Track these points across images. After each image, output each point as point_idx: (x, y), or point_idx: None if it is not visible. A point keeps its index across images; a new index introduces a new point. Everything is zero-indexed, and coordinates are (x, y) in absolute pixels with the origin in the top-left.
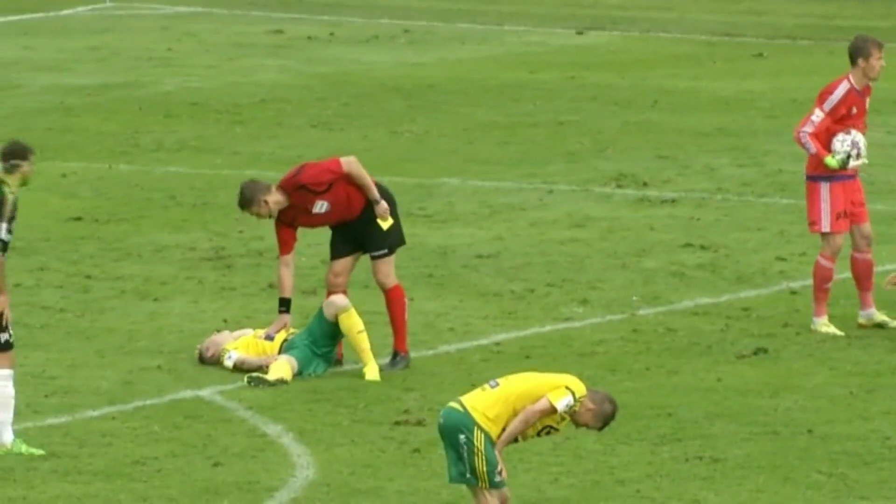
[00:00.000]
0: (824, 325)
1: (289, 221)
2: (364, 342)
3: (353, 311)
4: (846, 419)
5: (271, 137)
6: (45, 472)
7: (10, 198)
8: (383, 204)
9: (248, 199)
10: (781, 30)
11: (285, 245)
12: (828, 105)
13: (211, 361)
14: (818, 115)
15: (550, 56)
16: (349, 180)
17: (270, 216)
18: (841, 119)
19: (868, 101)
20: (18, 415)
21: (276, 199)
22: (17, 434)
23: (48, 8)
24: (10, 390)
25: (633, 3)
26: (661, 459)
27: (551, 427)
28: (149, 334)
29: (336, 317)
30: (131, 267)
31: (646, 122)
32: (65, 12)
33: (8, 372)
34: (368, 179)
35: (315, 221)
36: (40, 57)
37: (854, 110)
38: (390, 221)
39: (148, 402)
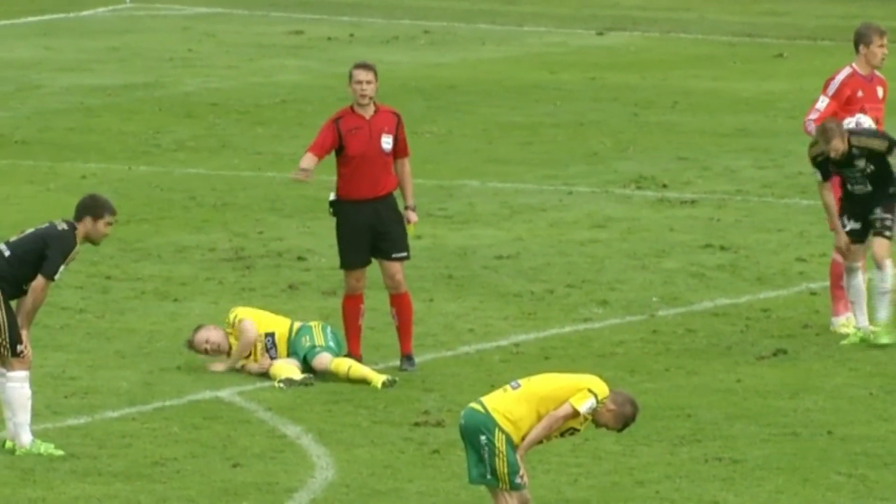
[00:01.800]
0: (843, 325)
1: (346, 131)
2: (361, 369)
3: (336, 359)
4: (866, 420)
5: (292, 138)
6: (65, 473)
7: (77, 247)
8: (415, 215)
9: (369, 65)
10: (802, 30)
11: (320, 147)
12: (831, 89)
13: (197, 351)
14: (822, 102)
15: (571, 57)
16: (394, 167)
17: (363, 93)
18: (848, 102)
19: (880, 91)
20: (38, 415)
21: (374, 92)
22: (36, 435)
23: (69, 9)
24: (27, 391)
25: (653, 3)
26: (680, 460)
27: (574, 428)
28: (169, 335)
29: (328, 370)
30: (151, 267)
31: (666, 122)
32: (85, 13)
33: (24, 373)
34: (412, 185)
35: (363, 151)
36: (61, 57)
37: (860, 93)
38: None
39: (167, 402)
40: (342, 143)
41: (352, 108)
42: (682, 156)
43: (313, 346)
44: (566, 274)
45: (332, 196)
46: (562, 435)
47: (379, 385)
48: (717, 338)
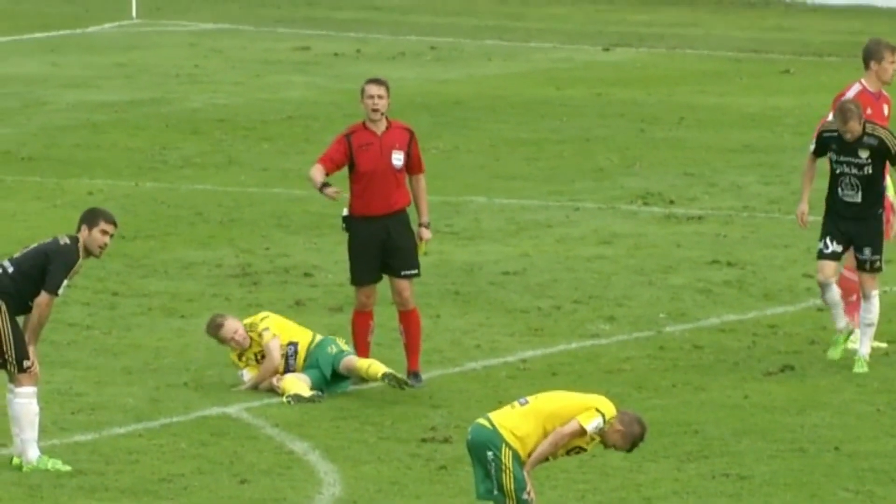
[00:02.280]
0: (851, 341)
1: (357, 147)
2: (378, 367)
3: (361, 358)
4: (873, 436)
5: (299, 154)
6: (72, 489)
7: (80, 261)
8: (429, 232)
9: (381, 80)
10: (808, 46)
11: (329, 161)
12: None
13: (219, 339)
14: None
15: (577, 72)
16: (408, 184)
17: (374, 108)
18: None
19: (886, 109)
20: (45, 432)
21: (386, 107)
22: (43, 451)
23: (75, 25)
24: (34, 407)
25: (659, 19)
26: (687, 476)
27: (580, 447)
28: (175, 351)
29: (350, 371)
30: (158, 284)
31: (672, 138)
32: (91, 29)
33: (32, 389)
34: (426, 202)
35: (374, 167)
36: (68, 73)
37: (869, 110)
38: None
39: (174, 419)
40: (353, 159)
41: (364, 123)
42: (689, 171)
43: (341, 351)
44: (573, 290)
45: (344, 211)
46: (568, 453)
47: (380, 375)
48: (724, 354)
